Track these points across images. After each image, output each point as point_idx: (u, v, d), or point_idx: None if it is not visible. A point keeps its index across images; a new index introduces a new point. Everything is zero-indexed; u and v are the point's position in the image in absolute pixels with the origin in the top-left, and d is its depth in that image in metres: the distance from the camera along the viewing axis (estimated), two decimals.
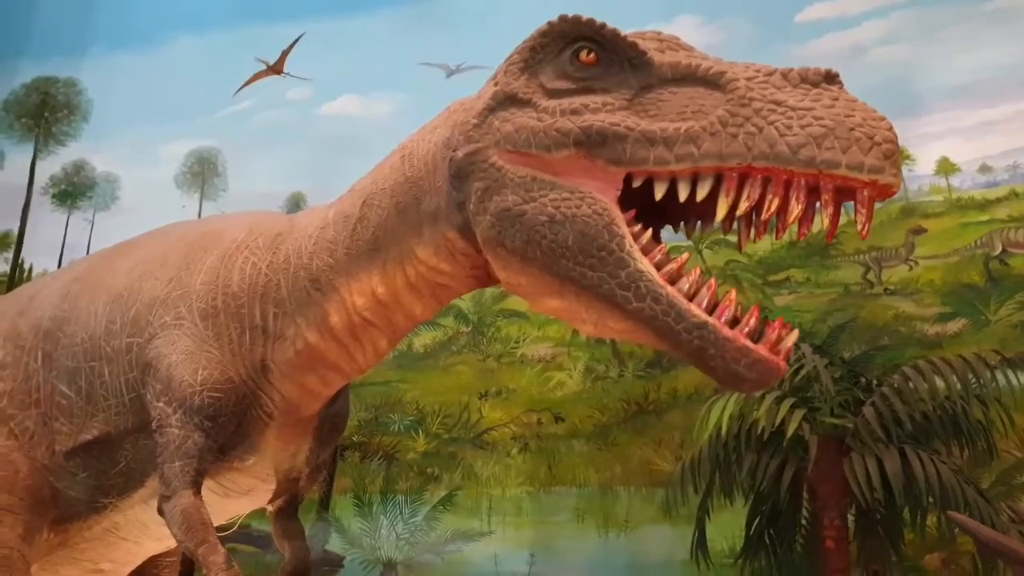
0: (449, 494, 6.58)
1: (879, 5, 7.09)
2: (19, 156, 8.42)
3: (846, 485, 4.24)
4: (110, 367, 2.24)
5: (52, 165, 8.35)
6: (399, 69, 7.57)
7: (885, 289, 6.31)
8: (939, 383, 4.33)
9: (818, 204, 1.43)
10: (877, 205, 1.42)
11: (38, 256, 7.97)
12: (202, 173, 8.25)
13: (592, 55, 1.64)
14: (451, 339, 7.24)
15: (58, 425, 2.31)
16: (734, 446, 4.55)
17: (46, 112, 8.41)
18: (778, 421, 4.21)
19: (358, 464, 6.81)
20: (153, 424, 2.09)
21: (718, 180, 1.46)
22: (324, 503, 6.64)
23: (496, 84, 1.75)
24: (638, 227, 1.55)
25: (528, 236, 1.58)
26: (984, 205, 6.34)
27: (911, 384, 4.34)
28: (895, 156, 1.37)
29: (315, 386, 2.11)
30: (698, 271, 1.52)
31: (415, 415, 6.98)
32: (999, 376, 4.61)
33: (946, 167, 6.54)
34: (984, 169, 6.48)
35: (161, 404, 2.07)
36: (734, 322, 1.47)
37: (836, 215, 1.40)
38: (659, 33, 1.72)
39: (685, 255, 1.55)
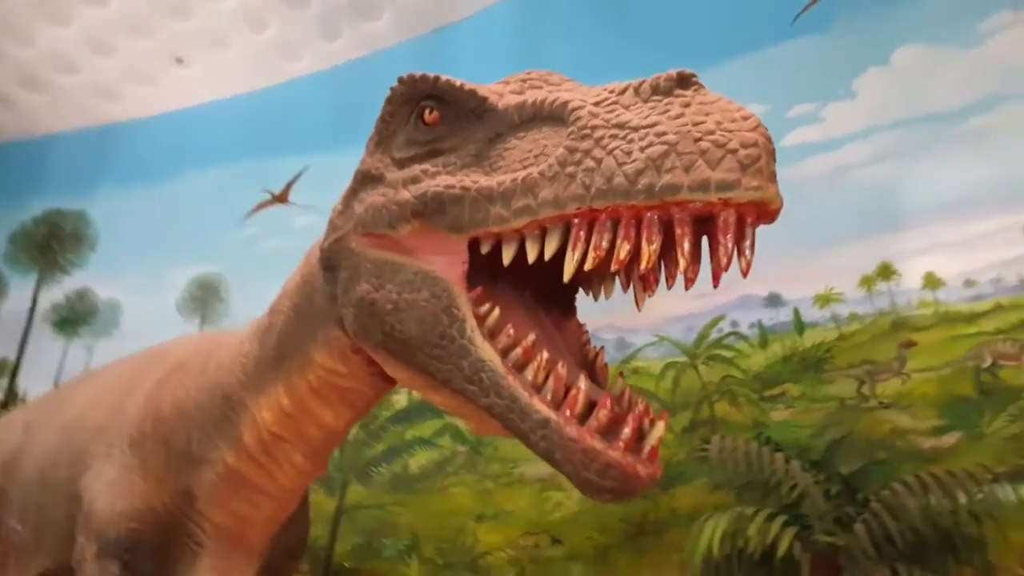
0: None
1: (861, 128, 7.43)
2: (24, 284, 8.63)
3: None
4: (52, 499, 2.17)
5: (56, 293, 8.53)
6: None
7: (880, 403, 6.29)
8: (931, 499, 4.26)
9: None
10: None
11: (33, 383, 8.01)
12: (203, 298, 8.42)
13: (434, 113, 1.44)
14: (447, 459, 7.14)
15: (12, 561, 2.26)
16: (726, 567, 4.46)
17: (53, 243, 8.65)
18: (770, 539, 4.15)
19: None
20: (73, 561, 1.99)
21: (567, 230, 1.20)
22: None
23: (360, 165, 1.61)
24: (485, 307, 1.33)
25: (382, 328, 1.40)
26: (971, 318, 6.42)
27: (902, 500, 4.28)
28: (760, 162, 1.09)
29: (245, 511, 1.99)
30: (546, 354, 1.25)
31: (409, 539, 6.81)
32: (995, 490, 4.55)
33: (932, 282, 6.66)
34: (969, 283, 6.61)
35: (81, 538, 1.97)
36: (588, 414, 1.20)
37: (714, 250, 1.10)
38: (529, 72, 1.51)
39: (531, 336, 1.28)
